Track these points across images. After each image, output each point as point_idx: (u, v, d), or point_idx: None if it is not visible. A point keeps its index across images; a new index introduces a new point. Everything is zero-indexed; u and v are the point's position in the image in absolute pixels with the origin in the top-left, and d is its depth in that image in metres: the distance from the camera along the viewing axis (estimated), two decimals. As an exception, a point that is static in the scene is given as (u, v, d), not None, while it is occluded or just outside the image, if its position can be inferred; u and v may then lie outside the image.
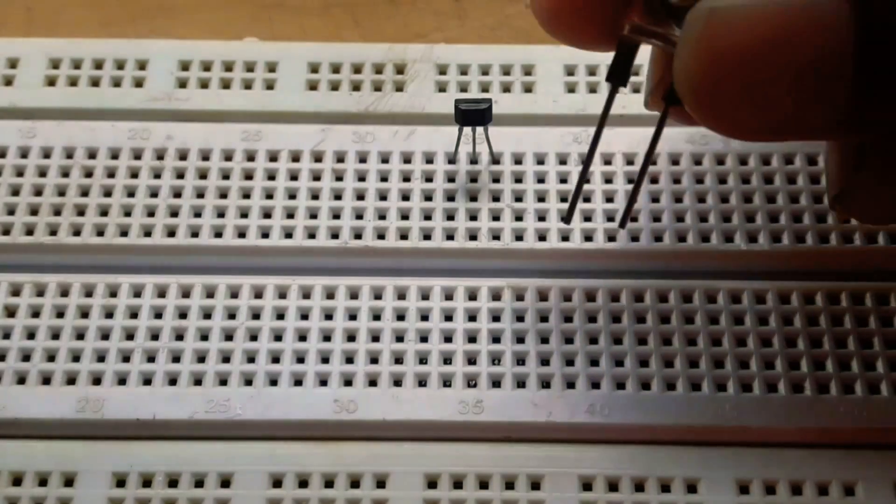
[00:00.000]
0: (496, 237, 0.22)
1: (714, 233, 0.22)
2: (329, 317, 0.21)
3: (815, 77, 0.15)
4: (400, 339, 0.20)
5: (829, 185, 0.19)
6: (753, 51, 0.15)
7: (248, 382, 0.20)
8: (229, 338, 0.20)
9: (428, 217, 0.22)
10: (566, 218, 0.20)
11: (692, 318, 0.21)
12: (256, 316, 0.21)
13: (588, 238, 0.22)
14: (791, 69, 0.15)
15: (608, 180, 0.22)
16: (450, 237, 0.22)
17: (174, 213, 0.22)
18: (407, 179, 0.22)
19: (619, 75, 0.17)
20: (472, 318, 0.21)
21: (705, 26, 0.15)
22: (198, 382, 0.20)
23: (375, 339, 0.20)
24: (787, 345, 0.20)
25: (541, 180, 0.22)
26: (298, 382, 0.20)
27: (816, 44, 0.15)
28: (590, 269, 0.21)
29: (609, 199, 0.22)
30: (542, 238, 0.22)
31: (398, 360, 0.20)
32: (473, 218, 0.22)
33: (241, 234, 0.22)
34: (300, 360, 0.20)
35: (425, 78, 0.24)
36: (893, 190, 0.18)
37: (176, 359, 0.20)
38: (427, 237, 0.22)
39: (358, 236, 0.22)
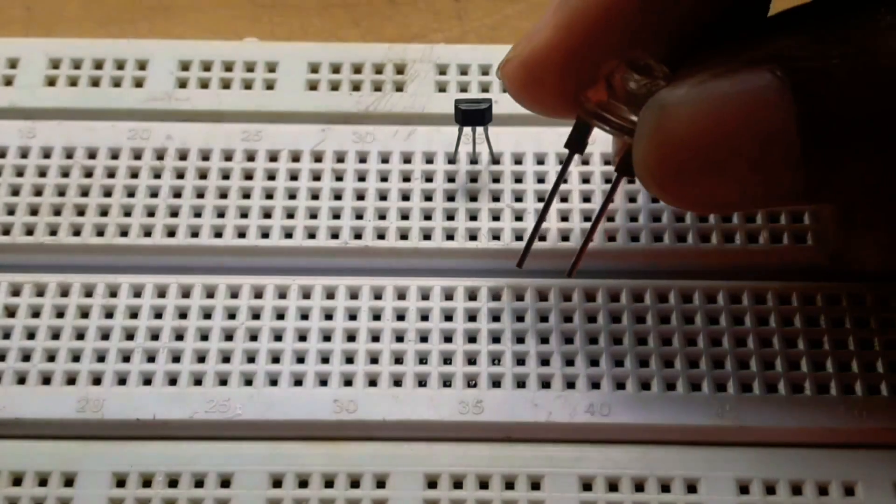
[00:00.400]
0: (496, 237, 0.22)
1: (714, 232, 0.22)
2: (329, 317, 0.21)
3: (765, 155, 0.16)
4: (400, 339, 0.20)
5: (821, 245, 0.20)
6: (703, 141, 0.16)
7: (249, 382, 0.20)
8: (229, 338, 0.20)
9: (428, 217, 0.22)
10: (519, 262, 0.20)
11: (692, 318, 0.21)
12: (256, 316, 0.21)
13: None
14: (741, 152, 0.16)
15: (608, 181, 0.22)
16: (450, 237, 0.22)
17: (174, 213, 0.22)
18: (407, 179, 0.22)
19: (575, 145, 0.19)
20: (472, 319, 0.21)
21: (657, 122, 0.16)
22: (198, 382, 0.20)
23: (375, 339, 0.20)
24: (786, 345, 0.20)
25: (541, 180, 0.22)
26: (298, 382, 0.20)
27: (762, 125, 0.16)
28: (589, 269, 0.21)
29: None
30: (542, 238, 0.22)
31: (398, 360, 0.20)
32: (473, 218, 0.22)
33: (241, 235, 0.22)
34: (300, 360, 0.20)
35: (425, 78, 0.24)
36: (885, 238, 0.19)
37: (176, 359, 0.20)
38: (427, 237, 0.22)
39: (358, 236, 0.22)
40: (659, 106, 0.16)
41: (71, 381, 0.20)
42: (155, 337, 0.20)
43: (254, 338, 0.20)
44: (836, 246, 0.20)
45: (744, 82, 0.16)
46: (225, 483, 0.19)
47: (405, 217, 0.22)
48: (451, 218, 0.22)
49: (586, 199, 0.22)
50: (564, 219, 0.22)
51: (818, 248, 0.21)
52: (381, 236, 0.22)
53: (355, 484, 0.19)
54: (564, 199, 0.22)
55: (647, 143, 0.16)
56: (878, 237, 0.20)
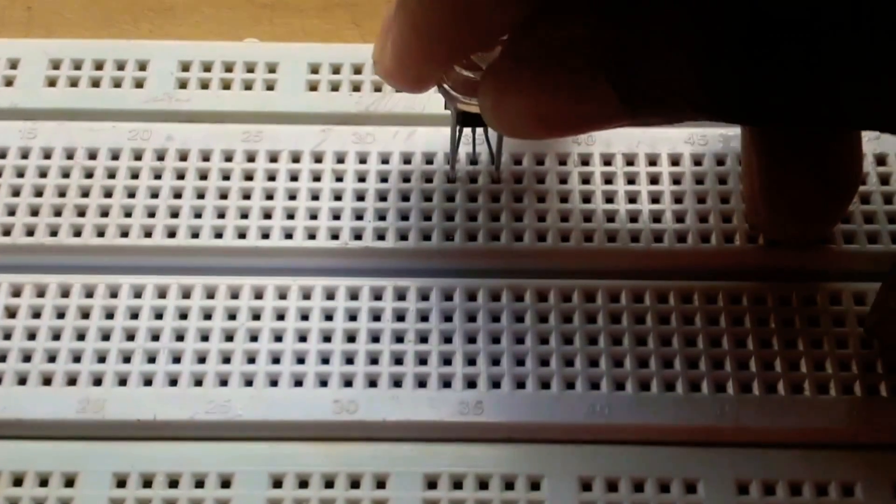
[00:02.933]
0: (495, 237, 0.22)
1: (713, 233, 0.22)
2: (329, 317, 0.21)
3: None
4: (400, 339, 0.20)
5: (747, 217, 0.22)
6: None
7: (249, 383, 0.20)
8: (230, 338, 0.20)
9: (428, 218, 0.22)
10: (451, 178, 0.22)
11: (691, 319, 0.21)
12: (257, 317, 0.21)
13: (588, 239, 0.22)
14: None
15: (608, 181, 0.22)
16: (449, 238, 0.22)
17: (174, 214, 0.22)
18: (407, 180, 0.22)
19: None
20: (472, 319, 0.21)
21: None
22: (198, 383, 0.20)
23: (375, 339, 0.21)
24: (786, 346, 0.20)
25: (540, 181, 0.22)
26: (299, 383, 0.20)
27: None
28: (589, 269, 0.21)
29: (609, 200, 0.22)
30: (541, 239, 0.22)
31: (398, 361, 0.20)
32: (473, 218, 0.22)
33: (242, 235, 0.22)
34: (300, 360, 0.20)
35: (425, 78, 0.24)
36: (800, 205, 0.20)
37: (176, 359, 0.20)
38: (427, 238, 0.22)
39: (358, 237, 0.22)
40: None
41: (72, 381, 0.20)
42: (155, 338, 0.20)
43: (254, 338, 0.20)
44: (760, 216, 0.21)
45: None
46: (225, 483, 0.19)
47: (405, 218, 0.22)
48: (450, 219, 0.22)
49: (586, 200, 0.22)
50: (564, 219, 0.22)
51: (745, 218, 0.22)
52: (381, 237, 0.22)
53: (355, 484, 0.19)
54: (564, 200, 0.22)
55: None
56: (789, 207, 0.20)
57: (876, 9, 0.15)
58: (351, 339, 0.21)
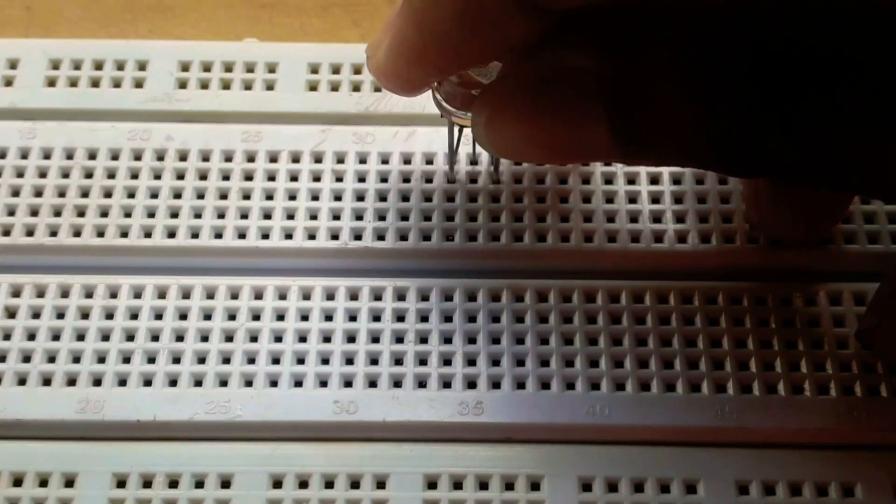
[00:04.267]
0: (495, 238, 0.22)
1: (714, 234, 0.22)
2: (329, 318, 0.21)
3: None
4: (400, 340, 0.20)
5: (747, 216, 0.21)
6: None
7: (249, 383, 0.20)
8: (229, 339, 0.20)
9: (427, 218, 0.22)
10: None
11: (692, 320, 0.21)
12: (257, 317, 0.21)
13: (588, 239, 0.22)
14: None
15: (608, 181, 0.22)
16: (449, 238, 0.22)
17: (174, 215, 0.22)
18: (407, 180, 0.22)
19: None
20: (472, 319, 0.21)
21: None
22: (198, 383, 0.20)
23: (375, 340, 0.21)
24: (786, 346, 0.20)
25: (540, 181, 0.22)
26: (299, 383, 0.20)
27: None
28: (589, 269, 0.21)
29: (609, 201, 0.22)
30: (541, 239, 0.22)
31: (398, 362, 0.20)
32: (473, 219, 0.22)
33: (242, 236, 0.22)
34: (300, 361, 0.20)
35: (425, 78, 0.24)
36: (798, 208, 0.20)
37: (176, 360, 0.20)
38: (426, 238, 0.22)
39: (358, 237, 0.22)
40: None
41: (71, 382, 0.20)
42: (155, 338, 0.20)
43: (254, 339, 0.20)
44: (760, 217, 0.21)
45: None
46: (225, 484, 0.19)
47: (405, 218, 0.22)
48: (450, 219, 0.22)
49: (586, 200, 0.22)
50: (564, 219, 0.22)
51: (745, 218, 0.22)
52: (381, 237, 0.22)
53: (355, 484, 0.19)
54: (564, 200, 0.22)
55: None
56: (792, 206, 0.20)
57: (876, 73, 0.15)
58: (351, 339, 0.21)
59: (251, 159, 0.23)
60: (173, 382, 0.20)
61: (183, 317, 0.21)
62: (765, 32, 0.15)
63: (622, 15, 0.17)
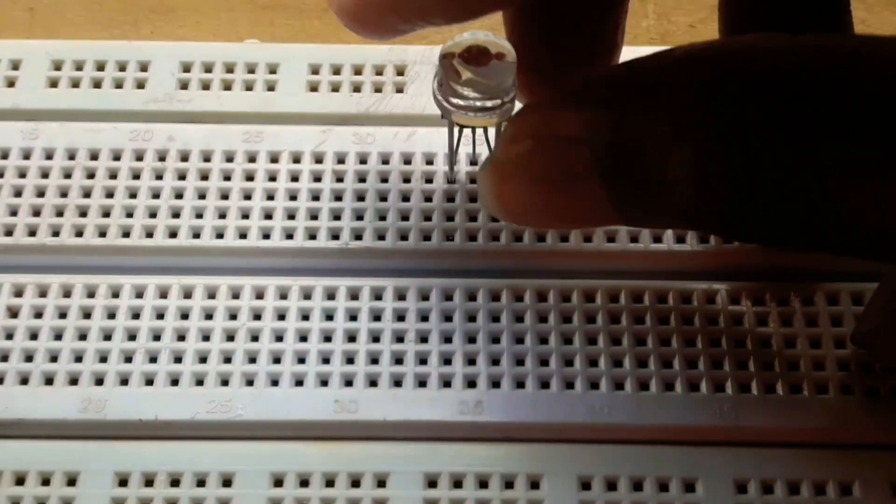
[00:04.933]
0: (496, 238, 0.22)
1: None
2: (330, 317, 0.21)
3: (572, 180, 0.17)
4: (400, 339, 0.21)
5: (857, 323, 0.20)
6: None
7: (250, 383, 0.20)
8: (231, 338, 0.21)
9: (428, 218, 0.22)
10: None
11: (691, 319, 0.21)
12: (258, 317, 0.21)
13: (588, 239, 0.22)
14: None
15: (607, 181, 0.22)
16: (449, 238, 0.22)
17: (176, 215, 0.22)
18: (407, 181, 0.22)
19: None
20: (472, 319, 0.21)
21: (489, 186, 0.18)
22: (199, 383, 0.20)
23: (376, 339, 0.21)
24: (785, 346, 0.20)
25: (540, 181, 0.22)
26: (299, 383, 0.20)
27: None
28: (588, 269, 0.21)
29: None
30: (541, 239, 0.22)
31: (398, 361, 0.20)
32: (473, 219, 0.22)
33: (243, 235, 0.22)
34: (301, 360, 0.20)
35: (426, 79, 0.24)
36: None
37: (178, 359, 0.20)
38: (427, 238, 0.22)
39: (358, 237, 0.22)
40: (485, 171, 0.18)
41: (73, 381, 0.20)
42: (157, 337, 0.21)
43: (255, 338, 0.21)
44: (872, 337, 0.20)
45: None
46: (226, 483, 0.19)
47: (405, 218, 0.22)
48: (450, 219, 0.22)
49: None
50: (564, 219, 0.22)
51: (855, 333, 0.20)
52: (382, 237, 0.22)
53: (356, 484, 0.19)
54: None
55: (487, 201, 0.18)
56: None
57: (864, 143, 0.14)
58: (351, 338, 0.21)
59: (252, 160, 0.23)
60: (175, 382, 0.20)
61: (184, 316, 0.21)
62: (755, 100, 0.15)
63: (612, 76, 0.17)
